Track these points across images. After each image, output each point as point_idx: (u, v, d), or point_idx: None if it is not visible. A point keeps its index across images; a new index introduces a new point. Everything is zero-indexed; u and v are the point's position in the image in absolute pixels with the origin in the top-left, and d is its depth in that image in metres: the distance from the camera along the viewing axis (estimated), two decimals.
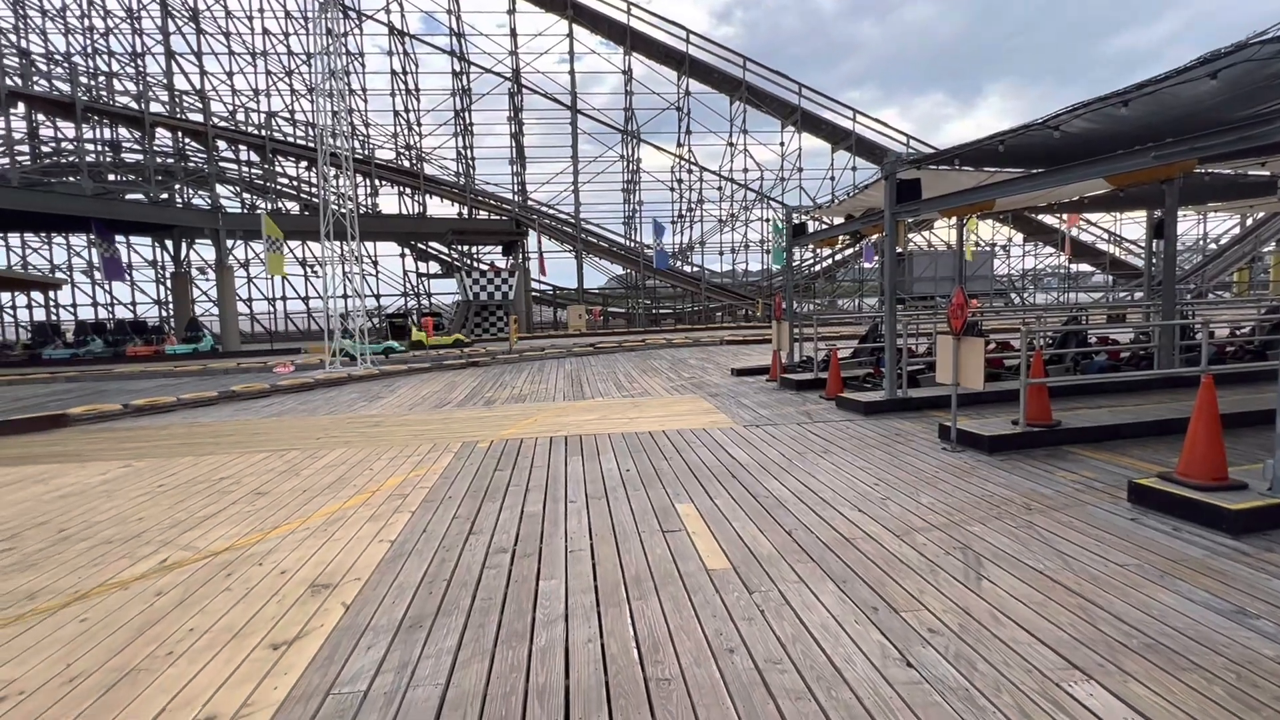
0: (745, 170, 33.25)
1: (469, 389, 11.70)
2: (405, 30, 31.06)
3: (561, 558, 3.75)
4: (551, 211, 33.03)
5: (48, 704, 2.50)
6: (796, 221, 11.69)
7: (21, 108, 26.05)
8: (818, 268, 34.46)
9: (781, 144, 33.27)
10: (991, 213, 9.98)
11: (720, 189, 33.78)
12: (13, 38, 30.68)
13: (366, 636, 2.93)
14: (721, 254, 35.01)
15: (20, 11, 30.83)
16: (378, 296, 32.41)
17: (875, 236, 16.43)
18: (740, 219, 34.34)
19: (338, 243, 15.57)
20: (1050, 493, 4.61)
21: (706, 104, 33.61)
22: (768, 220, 33.93)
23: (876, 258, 24.22)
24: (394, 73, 31.18)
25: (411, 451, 6.59)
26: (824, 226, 12.06)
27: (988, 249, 32.21)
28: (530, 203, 32.74)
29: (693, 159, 33.02)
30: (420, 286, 33.52)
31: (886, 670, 2.53)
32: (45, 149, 29.05)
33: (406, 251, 32.74)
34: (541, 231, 30.01)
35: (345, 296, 16.10)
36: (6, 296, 33.56)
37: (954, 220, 19.34)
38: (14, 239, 31.65)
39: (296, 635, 2.96)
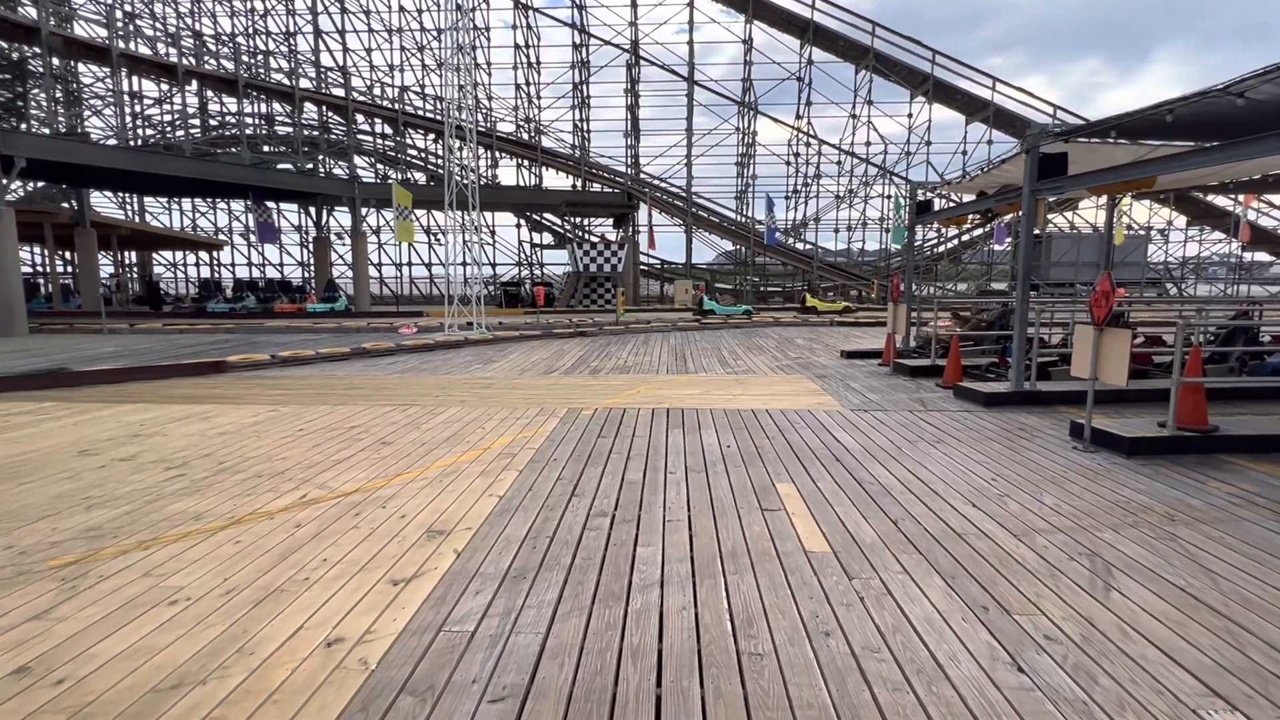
0: (868, 144, 31.72)
1: (576, 357, 12.03)
2: (529, 4, 31.71)
3: (659, 526, 3.81)
4: (663, 185, 32.99)
5: (208, 611, 2.85)
6: (921, 198, 11.03)
7: (195, 85, 28.95)
8: (942, 248, 32.45)
9: (909, 116, 31.39)
10: (1150, 191, 8.97)
11: (839, 163, 32.41)
12: (189, 20, 34.05)
13: (475, 582, 3.12)
14: (837, 231, 33.77)
15: None
16: (493, 265, 33.84)
17: (1010, 216, 15.22)
18: (859, 195, 32.85)
19: (459, 212, 16.35)
20: (1200, 504, 4.16)
21: (829, 73, 32.14)
22: (889, 197, 32.22)
23: (1009, 239, 22.48)
24: (517, 46, 32.01)
25: (520, 414, 6.89)
26: (952, 204, 11.31)
27: (1141, 233, 29.09)
28: (642, 175, 32.84)
29: (811, 131, 31.83)
30: (533, 256, 34.63)
31: (995, 673, 2.40)
32: (212, 122, 32.18)
33: (521, 222, 33.86)
34: (652, 205, 30.06)
35: (465, 264, 16.94)
36: (180, 255, 37.86)
37: (1103, 200, 17.55)
38: (185, 204, 35.51)
39: (413, 575, 3.19)
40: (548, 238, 33.85)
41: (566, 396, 7.97)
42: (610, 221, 32.88)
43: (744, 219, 32.72)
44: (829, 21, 30.56)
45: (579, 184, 32.20)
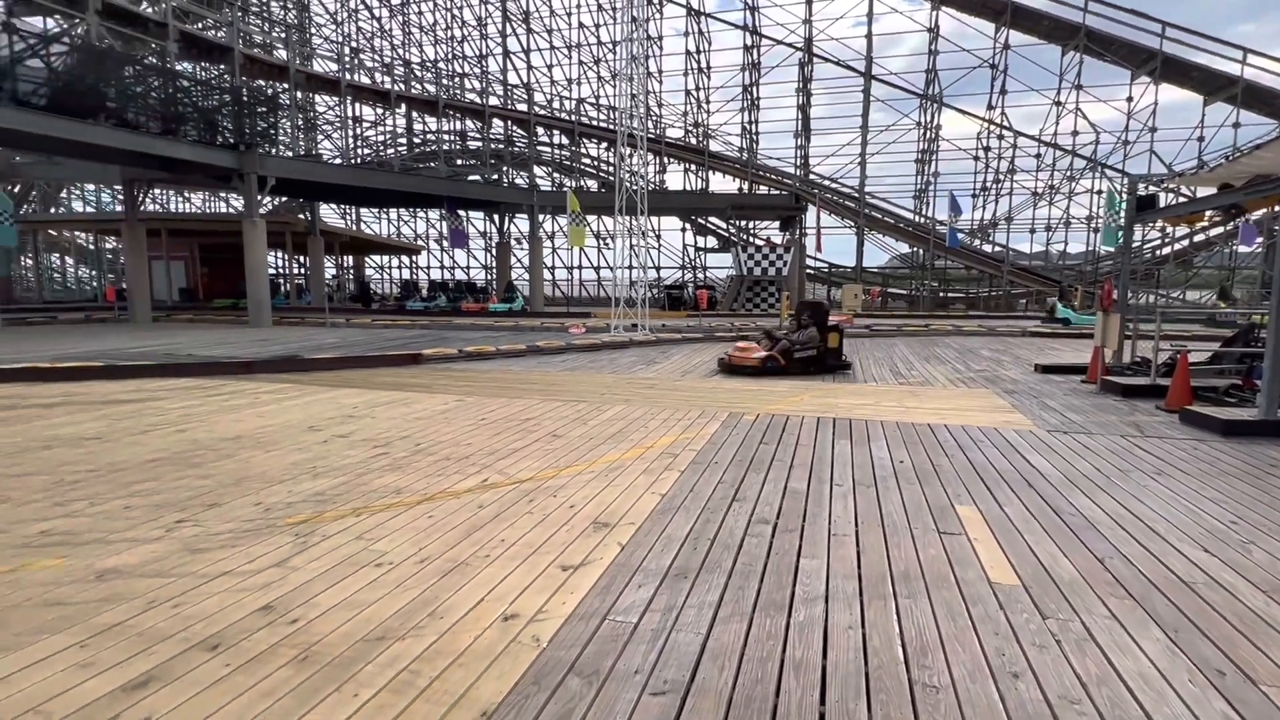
0: (1074, 133, 28.36)
1: None
2: (701, 9, 32.08)
3: (824, 539, 3.67)
4: (833, 185, 31.82)
5: (406, 575, 3.19)
6: (1142, 193, 9.63)
7: (403, 107, 32.65)
8: (1166, 250, 28.18)
9: (1128, 99, 27.63)
10: None
11: (1038, 156, 29.28)
12: (401, 51, 38.49)
13: (638, 576, 3.20)
14: (1033, 232, 30.50)
15: (406, 29, 38.47)
16: (658, 268, 34.59)
17: (1260, 212, 12.84)
18: (1061, 191, 29.45)
19: (628, 217, 16.92)
20: None
21: (1029, 58, 29.12)
22: (1100, 192, 28.50)
23: (1260, 239, 18.95)
24: (687, 53, 32.52)
25: (682, 415, 6.97)
26: (1184, 199, 9.76)
27: None
28: (812, 176, 31.92)
29: (1005, 122, 29.06)
30: (697, 260, 34.96)
31: None
32: (415, 140, 36.08)
33: (686, 226, 34.31)
34: (821, 206, 29.10)
35: (631, 267, 17.50)
36: (386, 259, 42.90)
37: None
38: (392, 213, 40.13)
39: (581, 562, 3.35)
40: (712, 241, 34.02)
41: (728, 401, 7.95)
42: (776, 224, 32.32)
43: (923, 219, 30.66)
44: (1030, 0, 27.73)
45: (745, 187, 32.01)
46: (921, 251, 30.39)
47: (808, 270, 31.67)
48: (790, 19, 30.43)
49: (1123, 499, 4.37)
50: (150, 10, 21.86)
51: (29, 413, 7.11)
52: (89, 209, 36.31)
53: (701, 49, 32.75)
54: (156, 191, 34.91)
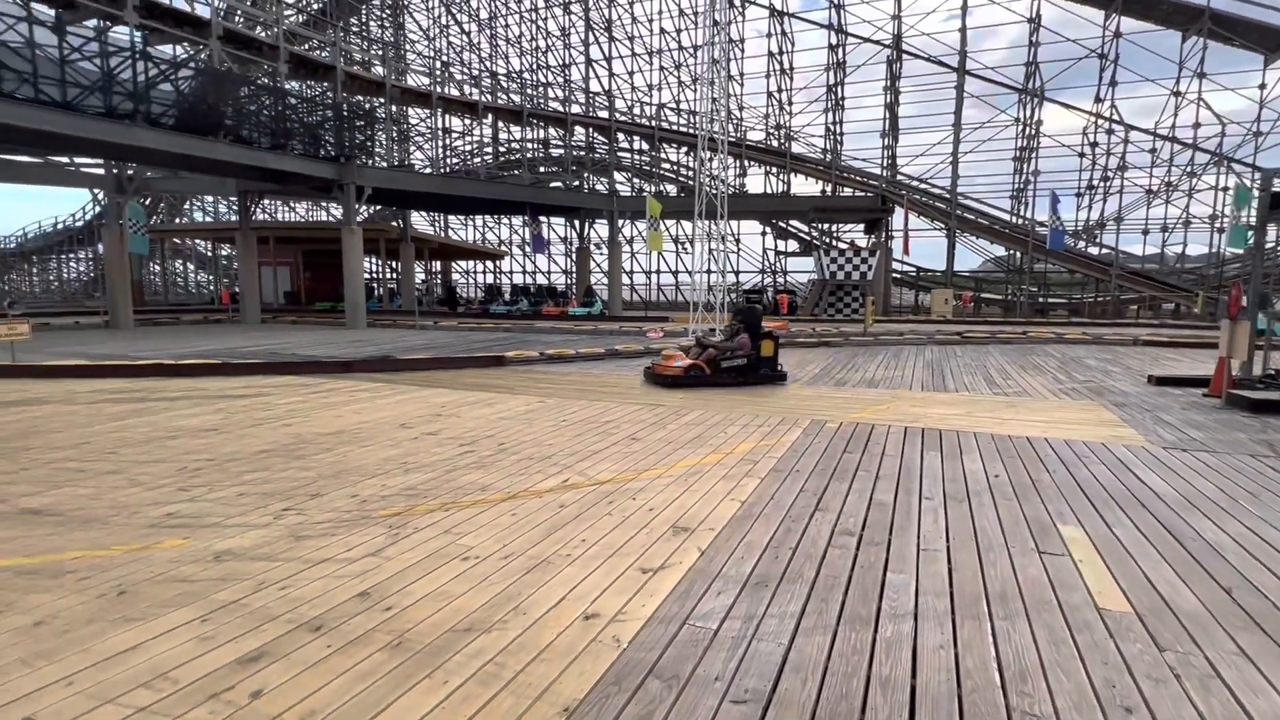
0: (1196, 125, 26.12)
1: (820, 367, 11.68)
2: (784, 10, 31.63)
3: (913, 554, 3.53)
4: (923, 186, 30.61)
5: (492, 570, 3.29)
6: (1277, 188, 8.75)
7: (489, 118, 33.80)
8: None
9: (1260, 87, 25.25)
10: None
11: (1153, 151, 27.16)
12: (488, 64, 39.86)
13: (717, 583, 3.17)
14: (1146, 233, 28.28)
15: (493, 42, 39.83)
16: (736, 272, 34.27)
17: None
18: (1180, 188, 27.21)
19: (708, 221, 16.85)
20: None
21: (1143, 45, 27.08)
22: (1226, 189, 26.14)
23: None
24: (770, 54, 32.10)
25: (762, 422, 6.87)
26: None
27: None
28: (899, 177, 30.83)
29: (1115, 116, 27.14)
30: (777, 264, 34.41)
31: None
32: (500, 149, 37.26)
33: (767, 229, 33.85)
34: (909, 208, 28.03)
35: (709, 271, 17.41)
36: (471, 264, 44.47)
37: None
38: (478, 220, 41.57)
39: (660, 566, 3.35)
40: (793, 245, 33.41)
41: (809, 407, 7.77)
42: (861, 227, 31.42)
43: (1020, 220, 29.03)
44: None
45: (828, 189, 31.26)
46: (1019, 254, 28.75)
47: (894, 274, 30.58)
48: (878, 15, 29.60)
49: (1252, 524, 3.98)
50: (264, 34, 23.58)
51: (157, 405, 7.80)
52: (208, 219, 39.53)
53: (784, 50, 32.29)
54: (266, 202, 37.64)
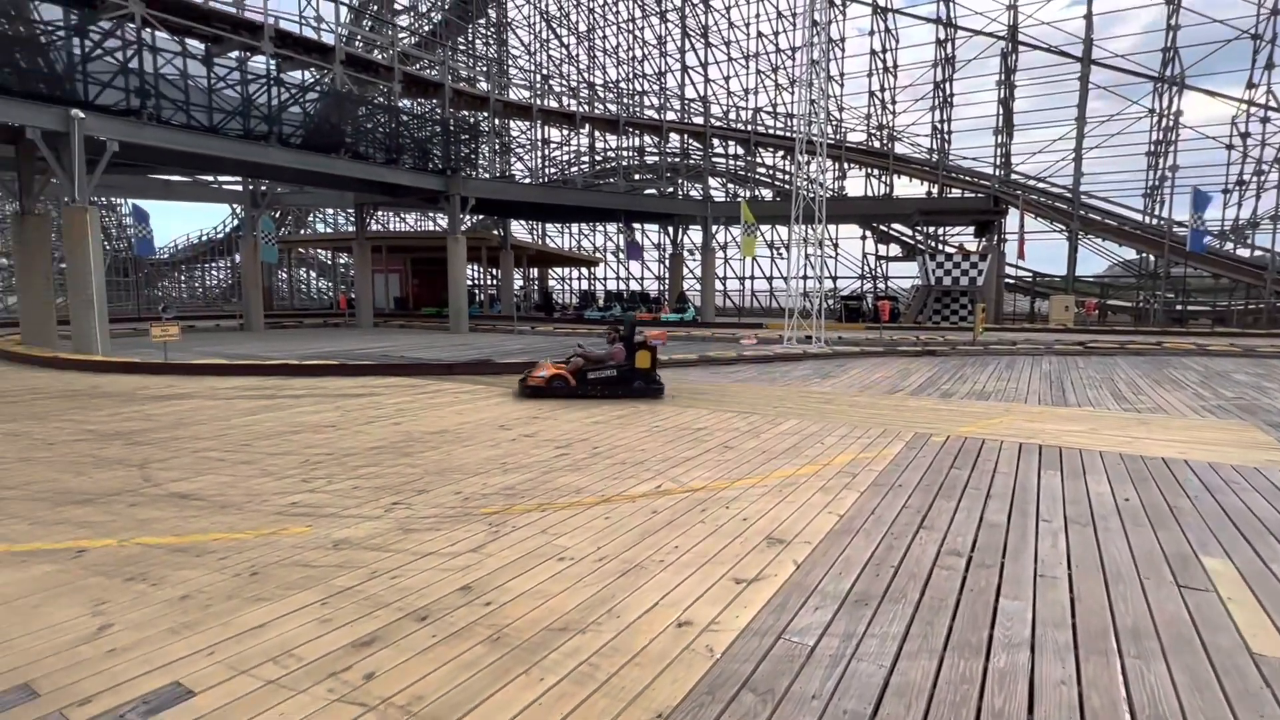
0: None
1: (924, 378, 11.15)
2: (888, 6, 30.52)
3: (1029, 580, 3.29)
4: (1040, 185, 28.61)
5: (586, 572, 3.34)
6: None
7: (587, 127, 34.56)
8: None
9: None
10: None
11: None
12: (586, 75, 40.83)
13: (814, 598, 3.08)
14: None
15: (591, 54, 40.75)
16: (834, 278, 33.28)
17: None
18: None
19: (804, 226, 16.48)
20: None
21: None
22: None
23: None
24: (872, 52, 31.06)
25: (862, 433, 6.63)
26: None
27: None
28: (1014, 176, 28.97)
29: (1272, 103, 24.33)
30: (878, 269, 33.17)
31: None
32: (596, 158, 38.00)
33: (867, 233, 32.70)
34: (1025, 208, 26.25)
35: (805, 277, 17.01)
36: (567, 271, 45.59)
37: None
38: (573, 227, 42.55)
39: (754, 577, 3.29)
40: (895, 249, 32.12)
41: (912, 419, 7.42)
42: (970, 230, 29.77)
43: (1154, 220, 26.56)
44: None
45: (934, 190, 29.83)
46: (1153, 258, 26.27)
47: (1007, 279, 28.71)
48: (991, 6, 27.93)
49: None
50: (380, 56, 25.23)
51: (284, 401, 8.47)
52: (328, 230, 42.64)
53: (887, 47, 31.14)
54: (379, 214, 40.17)
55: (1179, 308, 26.50)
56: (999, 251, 27.58)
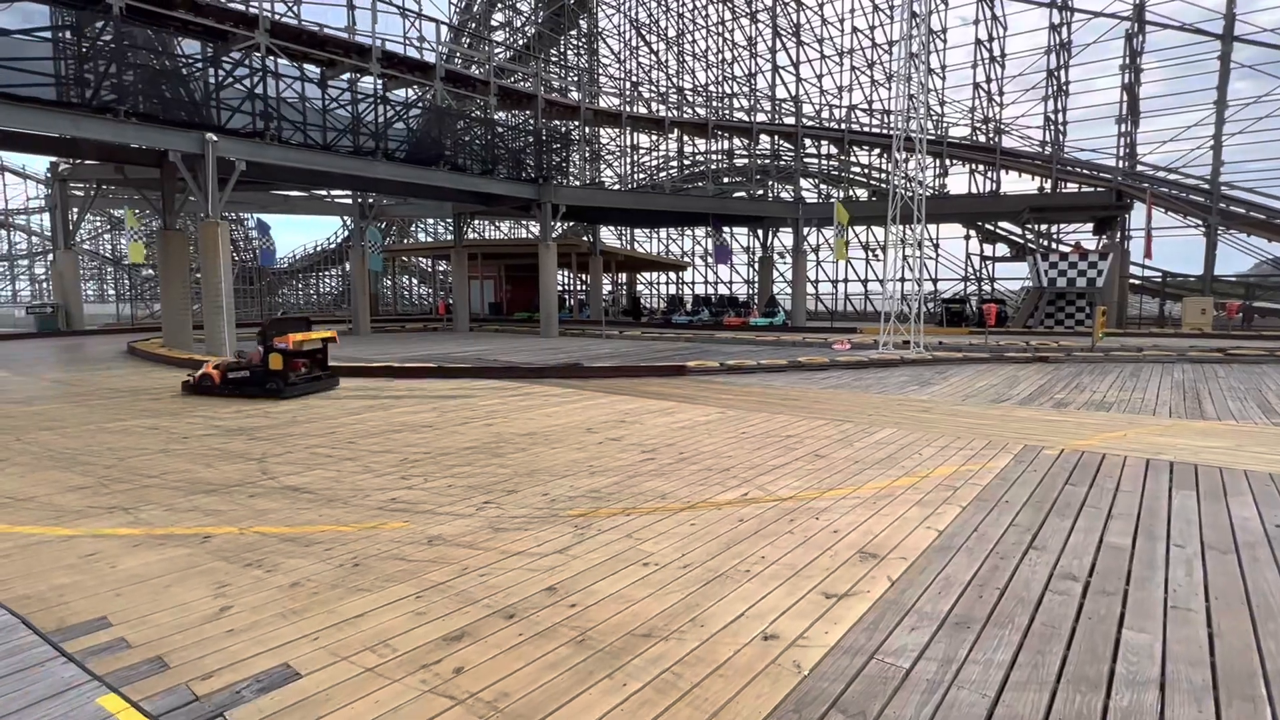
0: None
1: (1035, 386, 10.41)
2: None
3: (1158, 611, 2.98)
4: (1171, 177, 26.15)
5: (670, 579, 3.31)
6: None
7: (676, 132, 34.63)
8: None
9: None
10: None
11: None
12: (675, 80, 40.94)
13: (910, 617, 2.91)
14: None
15: (680, 58, 40.81)
16: (934, 280, 31.76)
17: None
18: None
19: (902, 226, 15.81)
20: None
21: None
22: None
23: None
24: (977, 41, 29.46)
25: (964, 445, 6.25)
26: None
27: None
28: (1140, 168, 26.63)
29: None
30: (983, 270, 31.38)
31: None
32: (685, 162, 38.01)
33: (971, 233, 31.02)
34: (1153, 202, 24.07)
35: (902, 280, 16.30)
36: (655, 275, 45.81)
37: None
38: (662, 232, 42.73)
39: (845, 592, 3.15)
40: (1002, 249, 30.27)
41: (1021, 431, 6.94)
42: (1089, 227, 27.62)
43: None
44: None
45: (1047, 185, 27.88)
46: None
47: (1131, 280, 26.40)
48: None
49: None
50: (478, 71, 26.30)
51: (386, 402, 8.94)
52: (428, 239, 44.85)
53: (994, 36, 29.45)
54: (475, 222, 41.83)
55: None
56: (1122, 250, 25.42)
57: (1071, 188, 27.44)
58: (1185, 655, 2.62)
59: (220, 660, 2.58)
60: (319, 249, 44.98)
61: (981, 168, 29.72)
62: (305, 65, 19.64)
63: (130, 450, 6.16)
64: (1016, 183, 29.29)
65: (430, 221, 43.34)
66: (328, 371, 10.35)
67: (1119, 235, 25.87)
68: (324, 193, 28.44)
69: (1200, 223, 24.64)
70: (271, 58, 17.38)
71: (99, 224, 39.01)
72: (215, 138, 14.29)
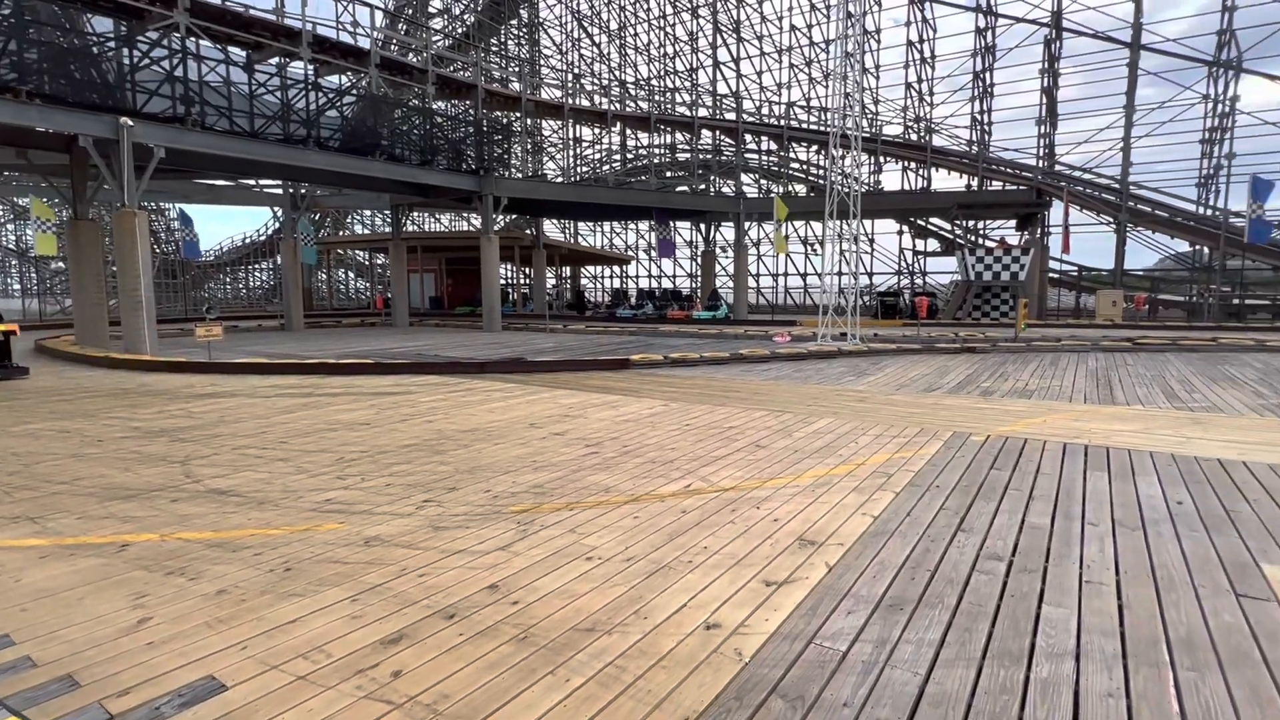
0: None
1: (963, 376, 10.87)
2: None
3: (1074, 586, 3.15)
4: (1086, 176, 27.69)
5: (614, 572, 3.31)
6: None
7: (618, 126, 34.56)
8: None
9: None
10: None
11: None
12: (617, 73, 40.83)
13: (847, 601, 3.00)
14: None
15: (622, 51, 40.73)
16: (870, 274, 32.74)
17: None
18: None
19: (839, 221, 16.22)
20: None
21: None
22: None
23: None
24: (909, 43, 30.43)
25: (897, 433, 6.48)
26: None
27: None
28: (1058, 168, 28.09)
29: None
30: (915, 264, 32.53)
31: None
32: (628, 156, 37.99)
33: (904, 228, 32.08)
34: (1070, 201, 25.41)
35: (840, 274, 16.75)
36: (599, 269, 45.69)
37: None
38: (605, 226, 42.61)
39: (785, 580, 3.22)
40: (933, 244, 31.44)
41: (950, 419, 7.23)
42: (1012, 223, 28.98)
43: (1209, 211, 25.48)
44: None
45: (974, 183, 29.11)
46: (1207, 250, 25.22)
47: (1051, 274, 27.87)
48: None
49: None
50: (415, 59, 25.61)
51: (321, 399, 8.64)
52: (365, 231, 43.47)
53: (925, 38, 30.47)
54: (414, 214, 40.80)
55: (1236, 302, 25.40)
56: (1042, 245, 26.79)
57: (996, 186, 28.75)
58: (1098, 626, 2.78)
59: (138, 675, 2.45)
60: (248, 241, 43.02)
61: (914, 165, 30.78)
62: (230, 48, 18.68)
63: (37, 455, 5.76)
64: (946, 180, 30.48)
65: (367, 213, 41.99)
66: (10, 365, 10.64)
67: (1039, 231, 27.26)
68: (253, 182, 27.18)
69: (1112, 220, 26.19)
70: (192, 39, 16.46)
71: (1, 213, 36.28)
72: (130, 122, 13.46)
